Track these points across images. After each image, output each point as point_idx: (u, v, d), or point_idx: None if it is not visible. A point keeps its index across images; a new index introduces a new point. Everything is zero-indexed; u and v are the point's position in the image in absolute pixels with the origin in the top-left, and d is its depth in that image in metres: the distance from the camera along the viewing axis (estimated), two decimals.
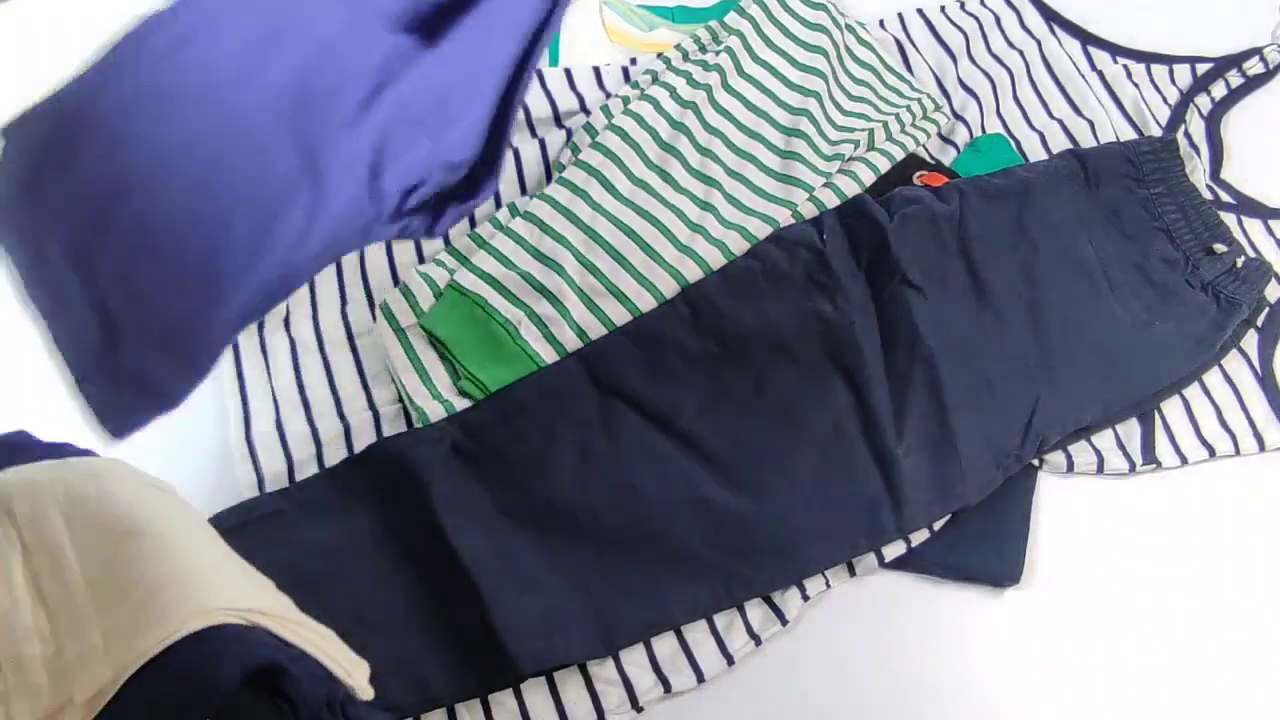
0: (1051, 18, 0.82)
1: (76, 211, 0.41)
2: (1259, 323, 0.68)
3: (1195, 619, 0.60)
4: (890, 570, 0.61)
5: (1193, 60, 0.79)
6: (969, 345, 0.64)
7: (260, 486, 0.61)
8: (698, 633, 0.58)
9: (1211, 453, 0.65)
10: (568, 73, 0.73)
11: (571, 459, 0.59)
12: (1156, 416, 0.65)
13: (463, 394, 0.62)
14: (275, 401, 0.64)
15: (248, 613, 0.39)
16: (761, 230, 0.66)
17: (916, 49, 0.80)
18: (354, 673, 0.43)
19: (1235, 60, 0.78)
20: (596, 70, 0.74)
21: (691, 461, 0.60)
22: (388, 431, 0.63)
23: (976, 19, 0.82)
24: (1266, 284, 0.68)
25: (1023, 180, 0.69)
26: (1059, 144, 0.75)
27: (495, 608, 0.54)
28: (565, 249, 0.64)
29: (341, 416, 0.63)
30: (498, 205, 0.69)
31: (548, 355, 0.62)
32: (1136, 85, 0.78)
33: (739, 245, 0.66)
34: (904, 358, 0.63)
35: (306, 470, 0.61)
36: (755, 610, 0.59)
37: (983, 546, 0.62)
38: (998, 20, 0.82)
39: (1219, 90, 0.78)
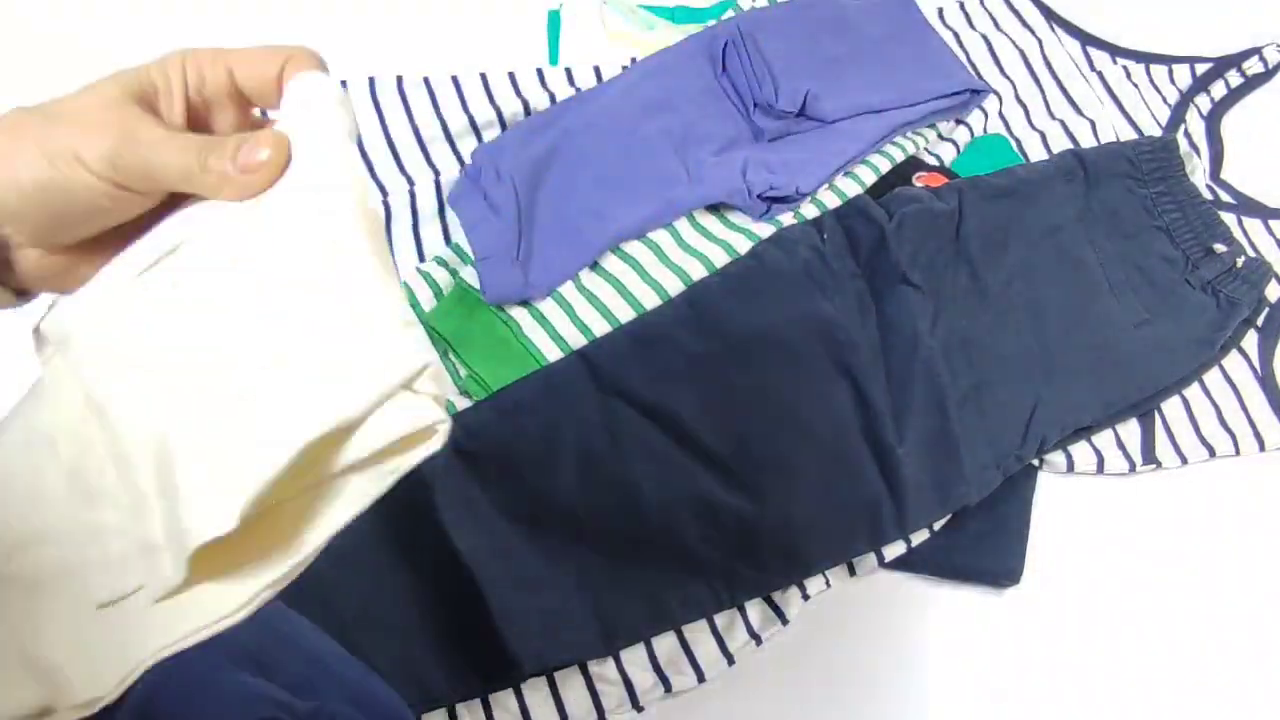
0: (1051, 18, 0.82)
1: (525, 170, 0.65)
2: (1259, 322, 0.68)
3: (1195, 619, 0.60)
4: (890, 570, 0.61)
5: (1193, 60, 0.79)
6: (969, 345, 0.64)
7: None
8: (698, 632, 0.58)
9: (1211, 453, 0.65)
10: (568, 72, 0.73)
11: (572, 459, 0.59)
12: (1156, 416, 0.65)
13: (464, 393, 0.62)
14: None
15: None
16: (765, 230, 0.67)
17: None
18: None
19: (1235, 60, 0.78)
20: (597, 70, 0.74)
21: (692, 461, 0.60)
22: None
23: (976, 21, 0.82)
24: (1267, 284, 0.68)
25: (1023, 180, 0.69)
26: (1060, 144, 0.75)
27: (496, 607, 0.54)
28: None
29: None
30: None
31: (550, 352, 0.62)
32: (1136, 85, 0.78)
33: (743, 245, 0.66)
34: (904, 358, 0.63)
35: None
36: (755, 610, 0.59)
37: (983, 546, 0.62)
38: (997, 23, 0.82)
39: (1219, 90, 0.78)
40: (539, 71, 0.73)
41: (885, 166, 0.71)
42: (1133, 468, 0.64)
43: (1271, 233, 0.72)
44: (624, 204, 0.66)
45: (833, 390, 0.62)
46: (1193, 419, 0.66)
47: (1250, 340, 0.68)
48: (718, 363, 0.62)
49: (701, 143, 0.70)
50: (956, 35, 0.80)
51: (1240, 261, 0.68)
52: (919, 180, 0.72)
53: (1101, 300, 0.66)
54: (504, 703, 0.56)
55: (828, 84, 0.71)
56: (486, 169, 0.67)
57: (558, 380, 0.61)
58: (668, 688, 0.56)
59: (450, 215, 0.68)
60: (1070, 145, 0.75)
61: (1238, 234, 0.71)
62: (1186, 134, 0.76)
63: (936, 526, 0.61)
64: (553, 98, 0.72)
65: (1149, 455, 0.64)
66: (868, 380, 0.62)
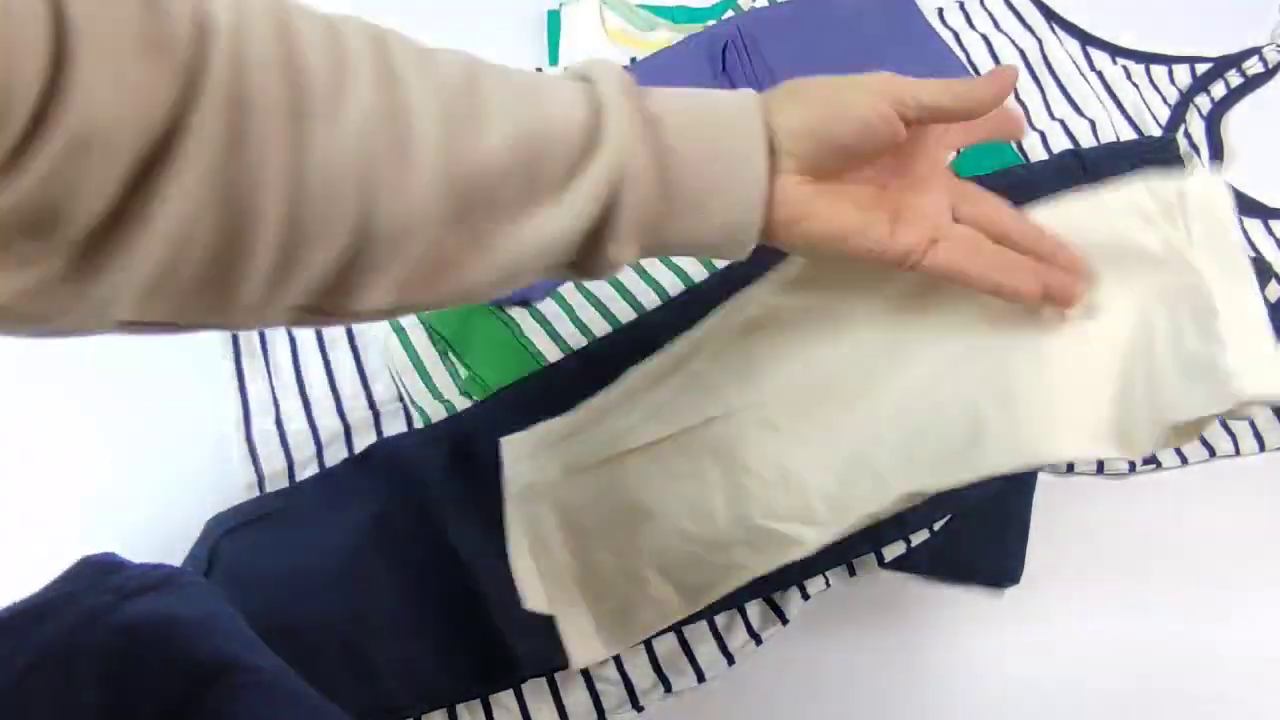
0: (1051, 18, 0.82)
1: None
2: None
3: (1195, 619, 0.60)
4: (890, 570, 0.61)
5: (1193, 60, 0.79)
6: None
7: (260, 486, 0.61)
8: (698, 632, 0.58)
9: (1212, 453, 0.65)
10: None
11: None
12: None
13: (464, 393, 0.62)
14: (275, 400, 0.64)
15: None
16: None
17: None
18: None
19: (1235, 60, 0.78)
20: None
21: None
22: (388, 431, 0.63)
23: (976, 21, 0.82)
24: (1267, 284, 0.68)
25: (1023, 180, 0.69)
26: (1060, 144, 0.75)
27: (496, 608, 0.54)
28: None
29: (342, 415, 0.63)
30: None
31: (550, 352, 0.62)
32: (1136, 85, 0.78)
33: None
34: None
35: (307, 470, 0.61)
36: (755, 610, 0.59)
37: (983, 547, 0.62)
38: (996, 23, 0.82)
39: (1219, 90, 0.78)
40: (539, 71, 0.73)
41: None
42: (1132, 468, 0.64)
43: (1271, 233, 0.72)
44: None
45: None
46: None
47: None
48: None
49: None
50: (956, 35, 0.80)
51: None
52: None
53: None
54: (504, 703, 0.56)
55: None
56: None
57: (556, 383, 0.61)
58: (668, 688, 0.56)
59: None
60: (1070, 145, 0.74)
61: None
62: (1186, 134, 0.76)
63: (936, 526, 0.61)
64: None
65: (1149, 455, 0.64)
66: None
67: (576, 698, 0.56)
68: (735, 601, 0.57)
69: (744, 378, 0.52)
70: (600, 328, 0.63)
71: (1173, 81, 0.78)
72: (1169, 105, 0.77)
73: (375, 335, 0.65)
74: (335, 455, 0.61)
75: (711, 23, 0.77)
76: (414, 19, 0.81)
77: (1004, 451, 0.44)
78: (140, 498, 0.61)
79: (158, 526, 0.59)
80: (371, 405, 0.64)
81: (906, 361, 0.48)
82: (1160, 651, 0.59)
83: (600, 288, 0.64)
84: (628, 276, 0.64)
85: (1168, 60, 0.79)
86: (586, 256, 0.37)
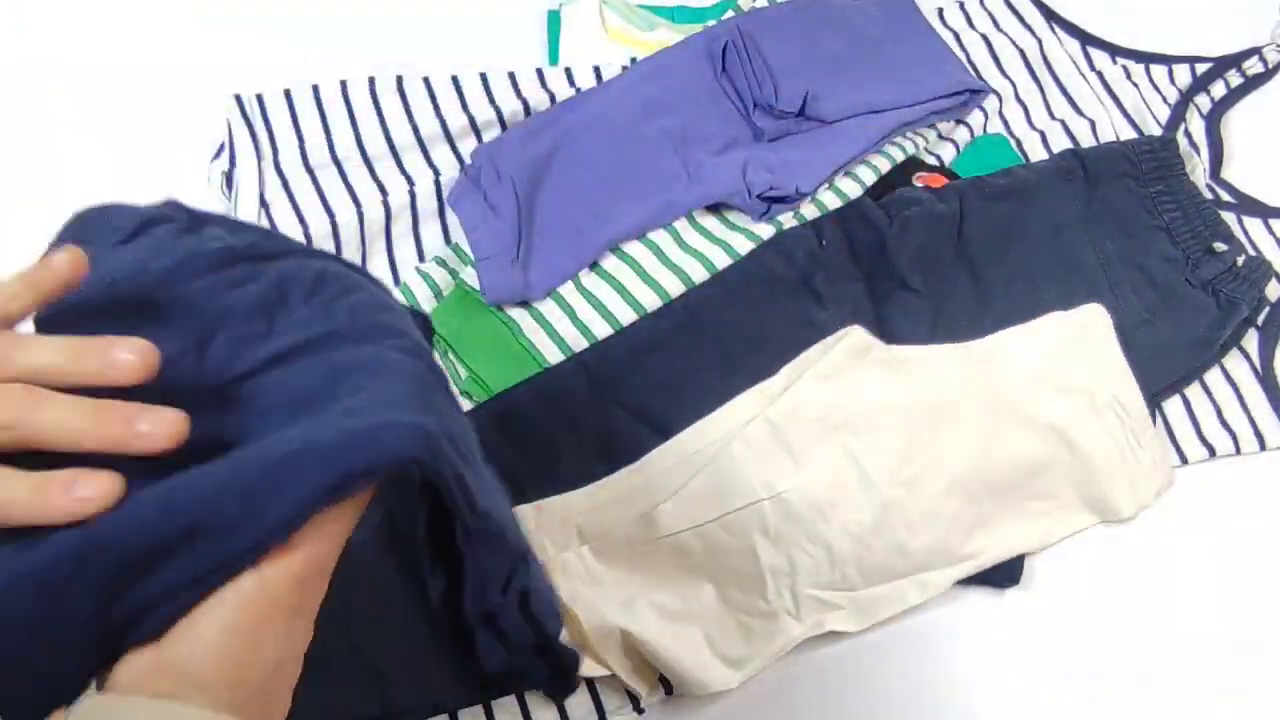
0: (1051, 18, 0.82)
1: (525, 170, 0.66)
2: (1259, 321, 0.68)
3: (1195, 619, 0.60)
4: None
5: (1193, 60, 0.79)
6: None
7: None
8: None
9: (1212, 452, 0.65)
10: (568, 72, 0.73)
11: (571, 467, 0.59)
12: (1157, 415, 0.65)
13: (464, 394, 0.62)
14: None
15: None
16: (765, 231, 0.67)
17: None
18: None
19: (1235, 60, 0.78)
20: (597, 70, 0.74)
21: None
22: None
23: (976, 21, 0.82)
24: (1267, 283, 0.68)
25: (1023, 180, 0.69)
26: (1060, 144, 0.75)
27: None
28: None
29: None
30: None
31: (550, 352, 0.62)
32: (1136, 85, 0.78)
33: (743, 245, 0.66)
34: None
35: None
36: None
37: None
38: (996, 23, 0.82)
39: (1219, 90, 0.78)
40: (539, 71, 0.73)
41: (885, 166, 0.71)
42: None
43: (1272, 232, 0.72)
44: (624, 204, 0.66)
45: None
46: (1193, 418, 0.66)
47: (1251, 339, 0.68)
48: (715, 371, 0.62)
49: (701, 143, 0.70)
50: (956, 35, 0.80)
51: (1240, 261, 0.68)
52: (919, 180, 0.72)
53: (1102, 300, 0.66)
54: (504, 704, 0.56)
55: (828, 84, 0.71)
56: (486, 169, 0.67)
57: (555, 388, 0.61)
58: (668, 689, 0.56)
59: (450, 215, 0.68)
60: (1070, 145, 0.75)
61: (1238, 233, 0.71)
62: (1186, 133, 0.76)
63: None
64: (553, 98, 0.72)
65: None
66: None
67: (577, 699, 0.56)
68: None
69: (789, 465, 0.58)
70: (600, 328, 0.63)
71: (1173, 81, 0.78)
72: (1169, 105, 0.77)
73: None
74: None
75: (711, 23, 0.77)
76: (415, 19, 0.81)
77: (995, 549, 0.60)
78: None
79: None
80: None
81: (924, 463, 0.59)
82: (1160, 651, 0.59)
83: (601, 288, 0.64)
84: (628, 277, 0.64)
85: (1168, 60, 0.79)
86: None
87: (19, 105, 0.75)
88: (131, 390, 0.31)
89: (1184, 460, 0.65)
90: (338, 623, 0.51)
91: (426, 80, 0.72)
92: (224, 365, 0.35)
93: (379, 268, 0.67)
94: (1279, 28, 0.80)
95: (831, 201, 0.68)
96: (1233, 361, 0.67)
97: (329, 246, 0.66)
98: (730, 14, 0.79)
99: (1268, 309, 0.69)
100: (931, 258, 0.66)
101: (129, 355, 0.31)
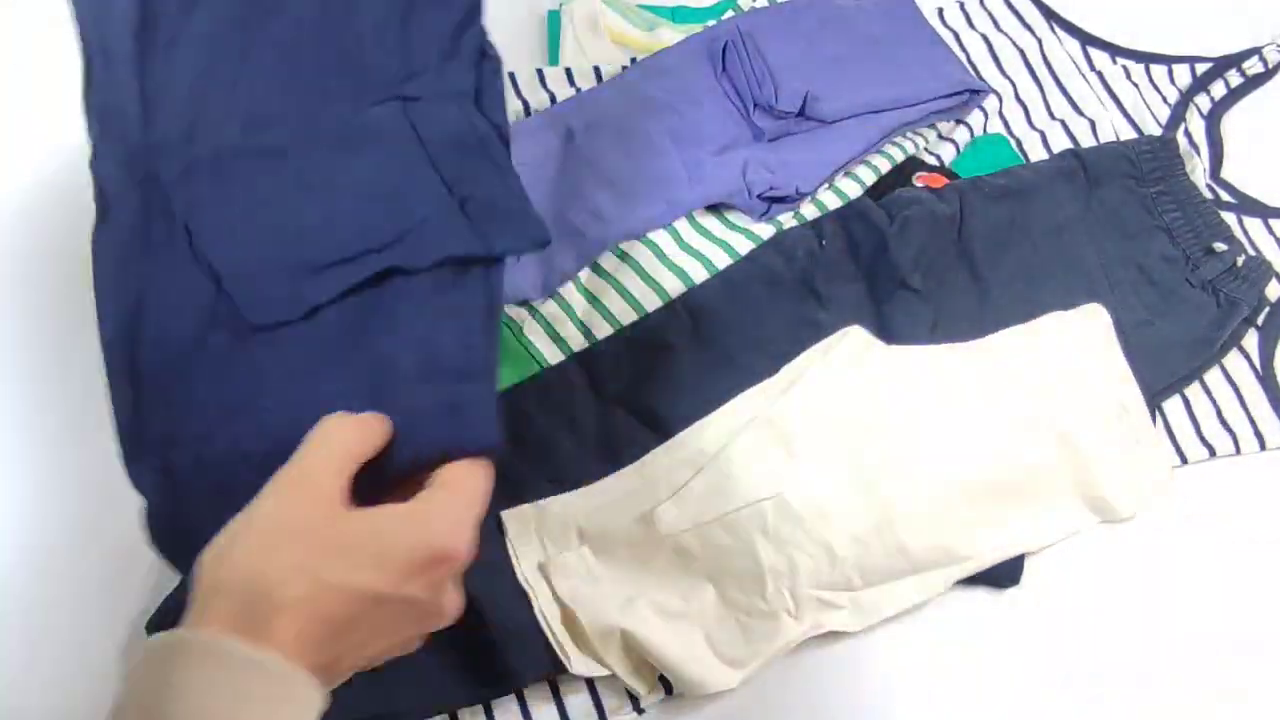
0: (1051, 18, 0.82)
1: (524, 170, 0.58)
2: (1259, 321, 0.68)
3: (1195, 619, 0.60)
4: None
5: (1193, 60, 0.79)
6: None
7: None
8: None
9: (1212, 452, 0.65)
10: (568, 72, 0.73)
11: (571, 467, 0.59)
12: (1157, 416, 0.65)
13: None
14: None
15: None
16: (765, 231, 0.67)
17: None
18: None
19: (1235, 60, 0.78)
20: (597, 70, 0.74)
21: None
22: None
23: (976, 21, 0.82)
24: (1267, 283, 0.68)
25: (1023, 180, 0.69)
26: (1060, 144, 0.75)
27: (495, 621, 0.54)
28: None
29: None
30: None
31: (550, 352, 0.62)
32: (1136, 85, 0.78)
33: (743, 245, 0.66)
34: None
35: None
36: None
37: None
38: (996, 23, 0.82)
39: (1219, 90, 0.78)
40: (539, 71, 0.73)
41: (885, 166, 0.71)
42: None
43: (1272, 232, 0.72)
44: (624, 204, 0.66)
45: None
46: (1193, 418, 0.66)
47: (1251, 339, 0.68)
48: (716, 371, 0.62)
49: (701, 143, 0.70)
50: (956, 35, 0.80)
51: (1240, 260, 0.68)
52: (919, 180, 0.72)
53: (1102, 301, 0.66)
54: (505, 703, 0.56)
55: (828, 84, 0.71)
56: None
57: (556, 388, 0.61)
58: (668, 689, 0.56)
59: None
60: (1070, 145, 0.74)
61: (1238, 233, 0.71)
62: (1186, 133, 0.76)
63: None
64: (553, 98, 0.72)
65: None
66: None
67: (577, 699, 0.56)
68: None
69: (789, 465, 0.58)
70: (600, 328, 0.63)
71: (1173, 81, 0.78)
72: (1169, 105, 0.77)
73: None
74: None
75: (711, 23, 0.77)
76: None
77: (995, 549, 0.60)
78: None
79: None
80: None
81: (920, 468, 0.59)
82: (1160, 651, 0.59)
83: (601, 288, 0.64)
84: (628, 278, 0.64)
85: (1168, 60, 0.79)
86: None
87: (19, 104, 0.75)
88: None
89: (1184, 460, 0.65)
90: None
91: None
92: None
93: None
94: None
95: (831, 201, 0.69)
96: (1233, 362, 0.67)
97: None
98: (730, 14, 0.79)
99: (1268, 309, 0.69)
100: (932, 258, 0.66)
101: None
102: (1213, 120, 0.77)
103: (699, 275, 0.64)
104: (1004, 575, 0.60)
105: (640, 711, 0.56)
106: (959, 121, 0.76)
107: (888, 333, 0.64)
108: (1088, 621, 0.60)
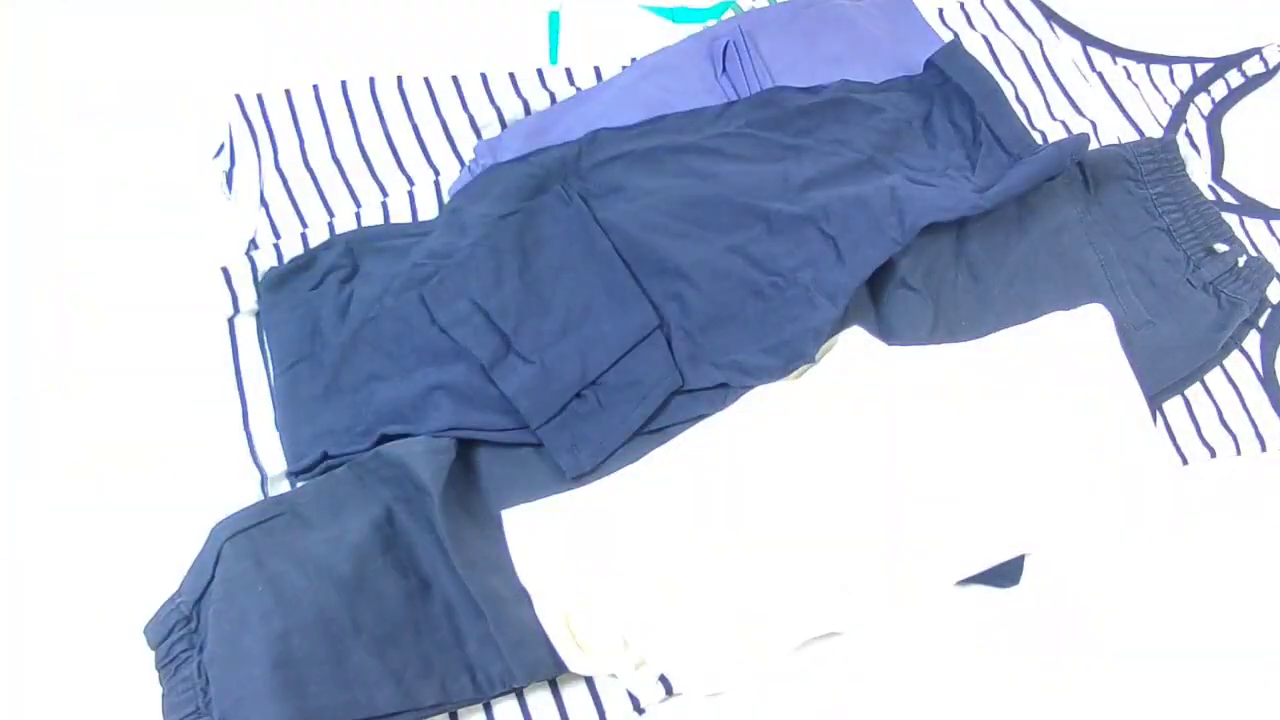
0: (1051, 18, 0.82)
1: None
2: (1261, 323, 0.68)
3: (1196, 619, 0.60)
4: None
5: (1193, 60, 0.79)
6: None
7: (263, 487, 0.60)
8: None
9: (1213, 453, 0.65)
10: (568, 72, 0.73)
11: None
12: (1158, 417, 0.65)
13: None
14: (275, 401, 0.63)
15: None
16: None
17: None
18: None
19: (1235, 60, 0.78)
20: (597, 70, 0.74)
21: None
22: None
23: (976, 21, 0.82)
24: (1268, 284, 0.68)
25: None
26: None
27: (492, 620, 0.53)
28: None
29: None
30: None
31: None
32: (1136, 85, 0.78)
33: None
34: None
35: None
36: None
37: None
38: (997, 23, 0.82)
39: (1219, 90, 0.78)
40: (539, 71, 0.73)
41: None
42: None
43: (1273, 233, 0.72)
44: None
45: None
46: (1194, 419, 0.66)
47: (1252, 340, 0.68)
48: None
49: None
50: (956, 35, 0.80)
51: (1242, 261, 0.68)
52: None
53: (1103, 301, 0.66)
54: (505, 703, 0.56)
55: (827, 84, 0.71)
56: (488, 164, 0.67)
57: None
58: (668, 689, 0.56)
59: None
60: None
61: (1239, 234, 0.71)
62: (1187, 134, 0.76)
63: None
64: (553, 98, 0.72)
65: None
66: None
67: (577, 699, 0.56)
68: None
69: (790, 463, 0.59)
70: None
71: (1173, 81, 0.78)
72: (1169, 105, 0.77)
73: None
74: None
75: (711, 23, 0.77)
76: (415, 19, 0.81)
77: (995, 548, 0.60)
78: (143, 503, 0.61)
79: (162, 530, 0.59)
80: None
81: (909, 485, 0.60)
82: (1160, 652, 0.59)
83: None
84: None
85: (1168, 60, 0.79)
86: None
87: (19, 102, 0.75)
88: None
89: (1184, 461, 0.65)
90: (325, 627, 0.51)
91: (426, 80, 0.72)
92: None
93: None
94: None
95: None
96: (1234, 363, 0.67)
97: None
98: (730, 14, 0.79)
99: (1269, 310, 0.68)
100: (931, 258, 0.66)
101: None
102: (1213, 121, 0.77)
103: None
104: (1004, 575, 0.60)
105: (640, 711, 0.56)
106: None
107: (888, 332, 0.64)
108: (1087, 622, 0.60)
